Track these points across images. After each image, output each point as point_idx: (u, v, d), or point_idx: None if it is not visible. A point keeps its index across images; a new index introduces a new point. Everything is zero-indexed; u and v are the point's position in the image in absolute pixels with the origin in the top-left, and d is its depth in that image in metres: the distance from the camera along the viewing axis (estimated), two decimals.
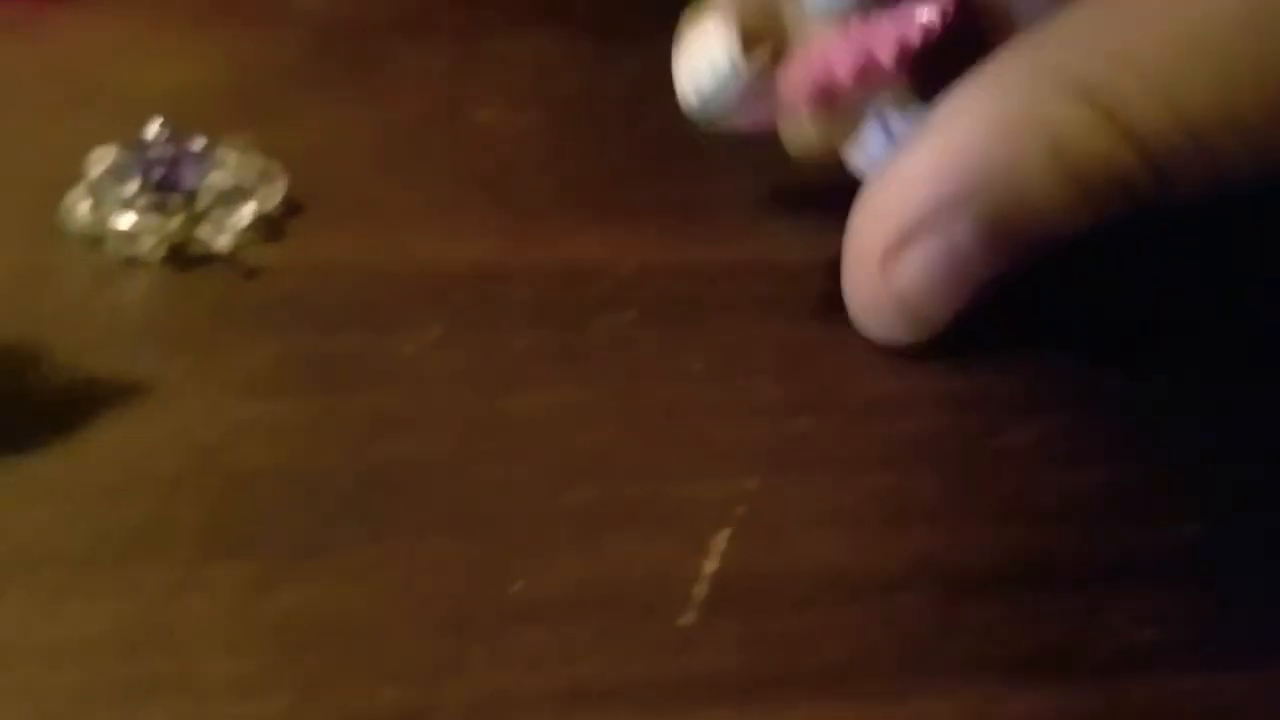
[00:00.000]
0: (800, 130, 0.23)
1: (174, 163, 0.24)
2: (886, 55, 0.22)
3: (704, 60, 0.24)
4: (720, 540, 0.17)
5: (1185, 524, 0.18)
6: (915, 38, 0.22)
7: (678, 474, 0.19)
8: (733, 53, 0.23)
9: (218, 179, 0.24)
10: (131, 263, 0.23)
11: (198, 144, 0.25)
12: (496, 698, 0.15)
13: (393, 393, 0.20)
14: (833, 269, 0.25)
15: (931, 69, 0.22)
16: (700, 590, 0.17)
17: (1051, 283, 0.23)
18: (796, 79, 0.23)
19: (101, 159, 0.24)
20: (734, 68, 0.23)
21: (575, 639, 0.16)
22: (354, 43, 0.36)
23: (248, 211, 0.24)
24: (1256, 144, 0.19)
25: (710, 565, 0.17)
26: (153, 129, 0.24)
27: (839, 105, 0.23)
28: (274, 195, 0.25)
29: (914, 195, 0.21)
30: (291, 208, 0.26)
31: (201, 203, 0.24)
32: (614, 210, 0.27)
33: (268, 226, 0.25)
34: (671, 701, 0.15)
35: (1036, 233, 0.21)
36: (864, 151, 0.23)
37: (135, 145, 0.24)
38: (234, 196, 0.24)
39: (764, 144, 0.25)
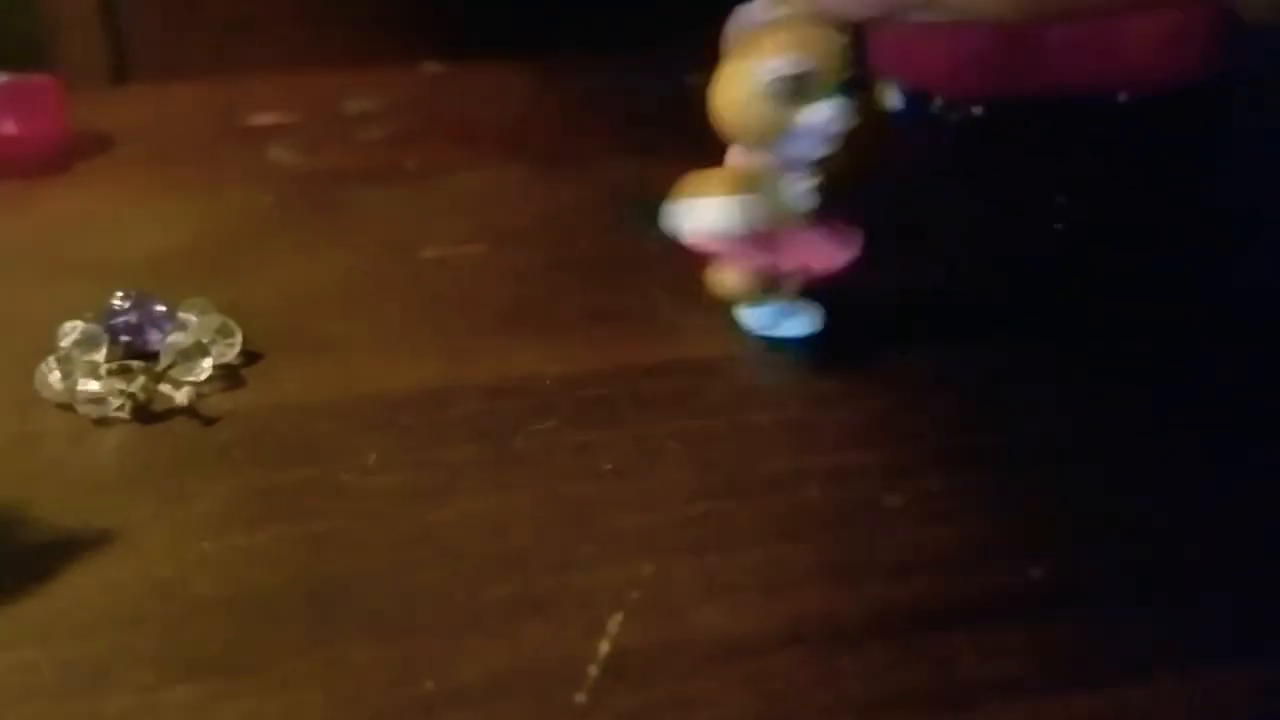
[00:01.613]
0: (724, 279, 0.27)
1: (138, 329, 0.27)
2: (820, 269, 0.26)
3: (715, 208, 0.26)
4: (614, 623, 0.19)
5: (1031, 567, 0.20)
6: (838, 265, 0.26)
7: (582, 564, 0.21)
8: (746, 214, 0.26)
9: (178, 339, 0.27)
10: (102, 422, 0.26)
11: (159, 309, 0.27)
12: None
13: (334, 517, 0.23)
14: (744, 360, 0.27)
15: None
16: (594, 670, 0.18)
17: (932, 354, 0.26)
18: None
19: (70, 331, 0.26)
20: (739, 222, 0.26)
21: None
22: (321, 191, 0.40)
23: (206, 365, 0.27)
24: None
25: (604, 646, 0.19)
26: (117, 299, 0.27)
27: (767, 283, 0.27)
28: (231, 349, 0.27)
29: None
30: (250, 356, 0.28)
31: (164, 362, 0.26)
32: (546, 326, 0.29)
33: (226, 376, 0.27)
34: None
35: None
36: (758, 315, 0.28)
37: (103, 315, 0.27)
38: (193, 353, 0.27)
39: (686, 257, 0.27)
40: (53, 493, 0.24)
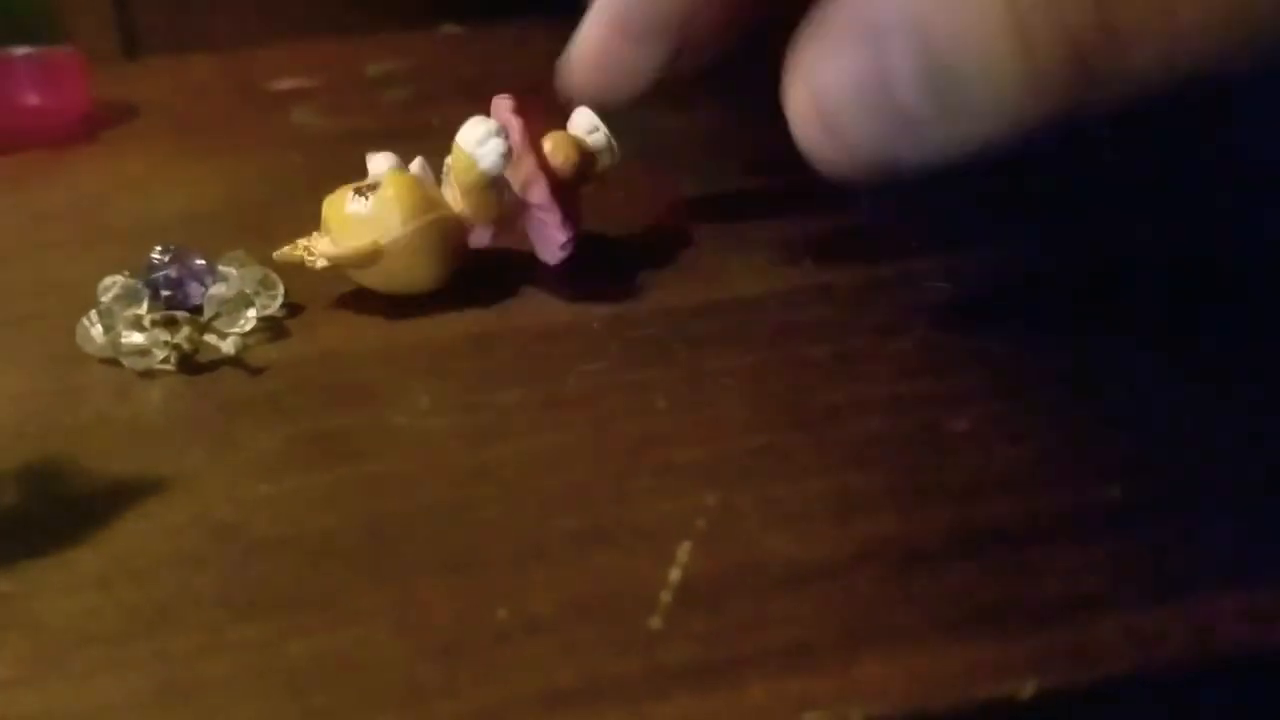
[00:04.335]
0: None
1: (178, 283, 0.27)
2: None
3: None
4: (683, 551, 0.19)
5: (1106, 484, 0.19)
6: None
7: (644, 497, 0.20)
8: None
9: (221, 290, 0.26)
10: (147, 374, 0.25)
11: (200, 262, 0.27)
12: (484, 711, 0.17)
13: (390, 458, 0.22)
14: (787, 298, 0.27)
15: None
16: (666, 596, 0.18)
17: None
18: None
19: (110, 286, 0.26)
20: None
21: (554, 652, 0.17)
22: (348, 151, 0.39)
23: (251, 315, 0.26)
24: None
25: (675, 574, 0.19)
26: (156, 254, 0.27)
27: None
28: (274, 301, 0.27)
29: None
30: (292, 309, 0.28)
31: (208, 313, 0.26)
32: (588, 274, 0.29)
33: (270, 328, 0.27)
34: (643, 694, 0.16)
35: (973, 100, 0.19)
36: None
37: (142, 270, 0.27)
38: (238, 304, 0.26)
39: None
40: (102, 444, 0.23)
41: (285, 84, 0.48)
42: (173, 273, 0.27)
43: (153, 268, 0.27)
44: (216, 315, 0.26)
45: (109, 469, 0.23)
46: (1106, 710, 0.16)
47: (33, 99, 0.44)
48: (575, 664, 0.17)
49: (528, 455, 0.22)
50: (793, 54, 0.20)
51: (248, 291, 0.27)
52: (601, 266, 0.29)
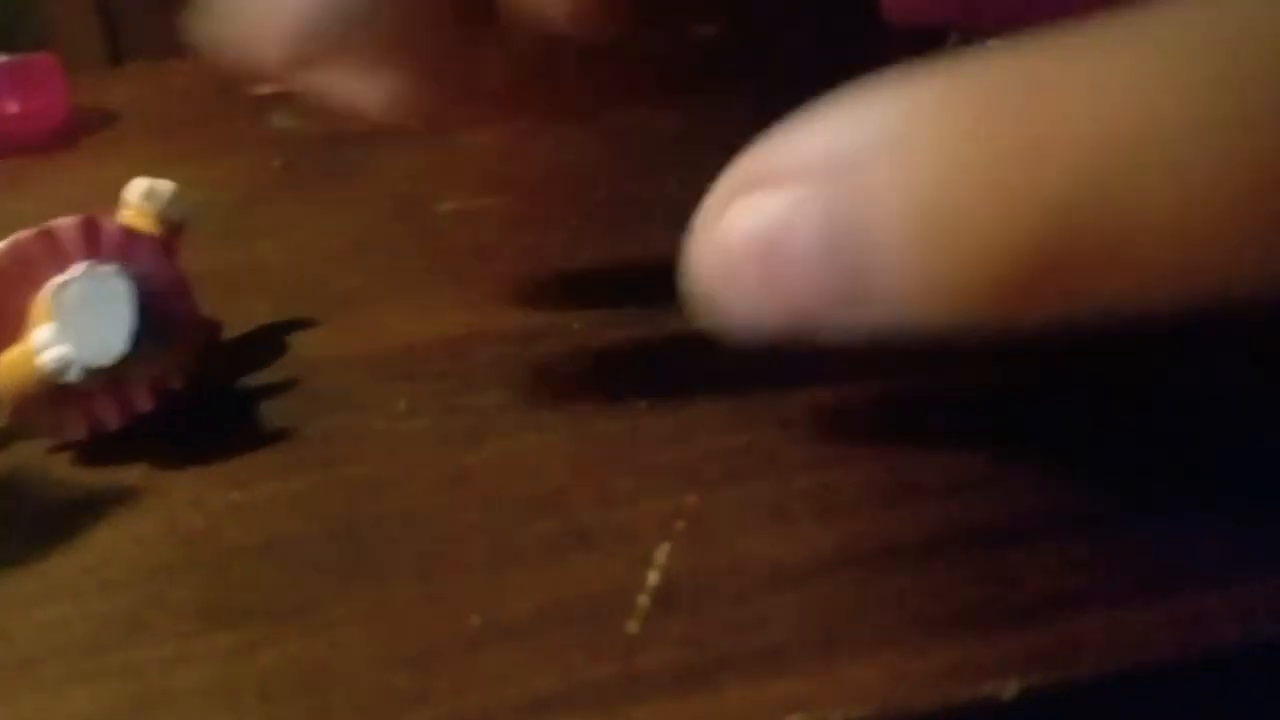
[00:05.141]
0: None
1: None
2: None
3: None
4: (661, 553, 0.19)
5: (1087, 482, 0.19)
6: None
7: (623, 498, 0.20)
8: None
9: None
10: None
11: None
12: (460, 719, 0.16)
13: (367, 462, 0.22)
14: None
15: None
16: (644, 600, 0.18)
17: None
18: None
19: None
20: None
21: (530, 658, 0.17)
22: (329, 154, 0.39)
23: None
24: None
25: (653, 576, 0.18)
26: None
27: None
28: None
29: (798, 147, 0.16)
30: (278, 312, 0.28)
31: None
32: (568, 275, 0.28)
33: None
34: (620, 699, 0.16)
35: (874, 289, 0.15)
36: None
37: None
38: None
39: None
40: (71, 453, 0.23)
41: (264, 88, 0.47)
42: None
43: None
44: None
45: (79, 478, 0.22)
46: (1090, 710, 0.16)
47: (12, 106, 0.43)
48: (551, 670, 0.17)
49: (506, 458, 0.22)
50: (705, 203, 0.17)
51: None
52: (580, 268, 0.29)
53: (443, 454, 0.22)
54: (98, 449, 0.23)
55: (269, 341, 0.27)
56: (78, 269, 0.23)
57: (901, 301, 0.15)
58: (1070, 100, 0.14)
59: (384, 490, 0.21)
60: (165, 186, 0.26)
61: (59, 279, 0.22)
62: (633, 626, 0.17)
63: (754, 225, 0.16)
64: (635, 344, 0.25)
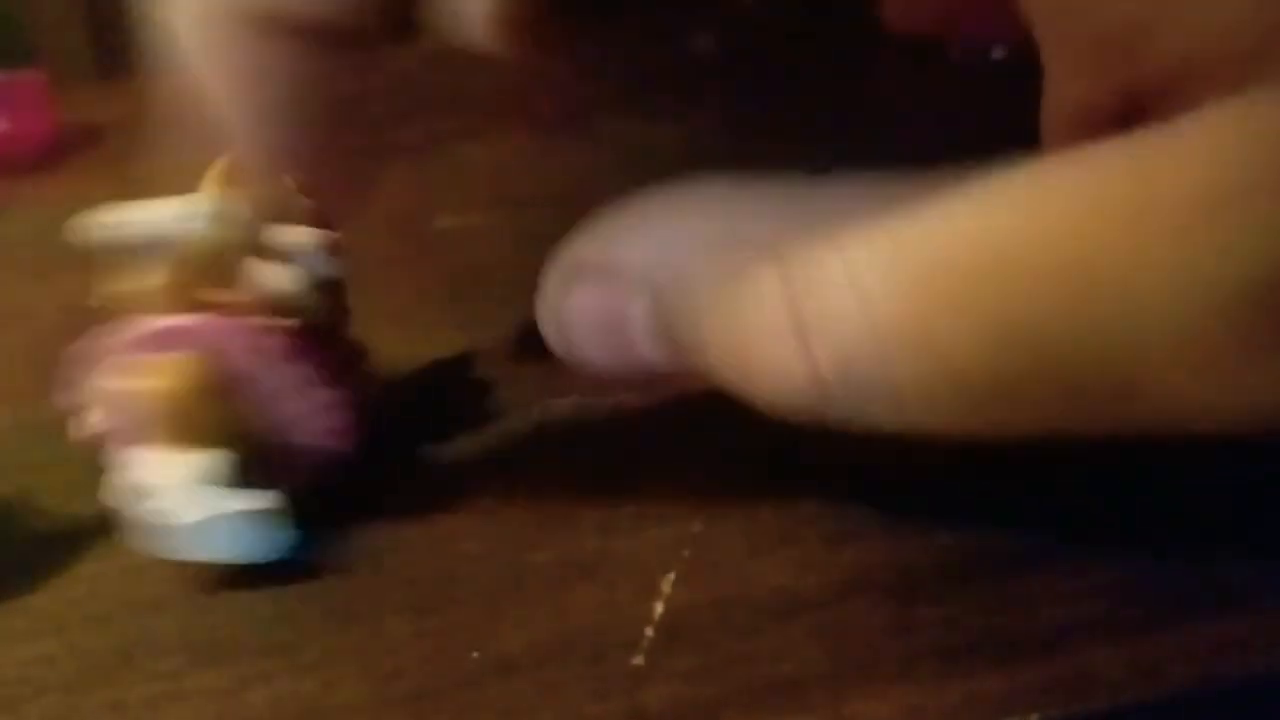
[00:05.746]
0: None
1: None
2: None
3: None
4: (667, 583, 0.18)
5: (1105, 511, 0.19)
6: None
7: (627, 527, 0.19)
8: None
9: None
10: None
11: None
12: None
13: (355, 492, 0.21)
14: None
15: None
16: (649, 632, 0.17)
17: None
18: None
19: None
20: None
21: (530, 694, 0.16)
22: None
23: None
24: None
25: (659, 607, 0.18)
26: None
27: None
28: None
29: (631, 242, 0.19)
30: None
31: None
32: None
33: None
34: None
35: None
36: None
37: None
38: None
39: None
40: (59, 482, 0.23)
41: None
42: None
43: None
44: None
45: (67, 508, 0.22)
46: None
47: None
48: (553, 707, 0.16)
49: (506, 486, 0.21)
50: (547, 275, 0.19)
51: None
52: None
53: (439, 482, 0.21)
54: (84, 480, 0.22)
55: None
56: None
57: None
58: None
59: (379, 519, 0.20)
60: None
61: None
62: (638, 660, 0.17)
63: (596, 305, 0.18)
64: None
